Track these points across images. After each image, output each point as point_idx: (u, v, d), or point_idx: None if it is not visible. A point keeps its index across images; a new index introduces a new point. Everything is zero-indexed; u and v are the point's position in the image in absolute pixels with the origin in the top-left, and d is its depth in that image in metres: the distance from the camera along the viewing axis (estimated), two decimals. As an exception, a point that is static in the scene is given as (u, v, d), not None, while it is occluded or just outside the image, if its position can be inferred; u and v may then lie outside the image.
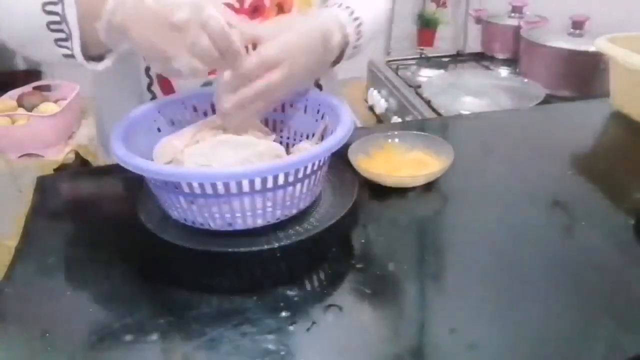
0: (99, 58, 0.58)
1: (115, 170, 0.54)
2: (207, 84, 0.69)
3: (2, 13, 0.59)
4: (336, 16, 0.65)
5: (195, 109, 0.67)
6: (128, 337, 0.45)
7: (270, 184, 0.51)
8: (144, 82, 0.70)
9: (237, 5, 0.68)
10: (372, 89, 1.76)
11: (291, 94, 0.63)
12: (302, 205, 0.57)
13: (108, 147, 0.80)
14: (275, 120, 0.68)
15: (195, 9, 0.50)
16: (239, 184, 0.50)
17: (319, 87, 0.78)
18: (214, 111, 0.67)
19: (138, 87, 0.70)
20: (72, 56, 0.56)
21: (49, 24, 0.55)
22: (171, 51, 0.51)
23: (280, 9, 0.70)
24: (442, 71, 1.73)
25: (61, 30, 0.55)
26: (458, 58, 1.84)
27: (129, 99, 0.71)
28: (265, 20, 0.69)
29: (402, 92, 1.54)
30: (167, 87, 0.70)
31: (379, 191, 0.65)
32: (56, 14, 0.55)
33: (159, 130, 0.64)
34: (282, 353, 0.44)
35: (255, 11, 0.69)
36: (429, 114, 1.39)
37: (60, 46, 0.56)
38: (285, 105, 0.67)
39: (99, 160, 0.85)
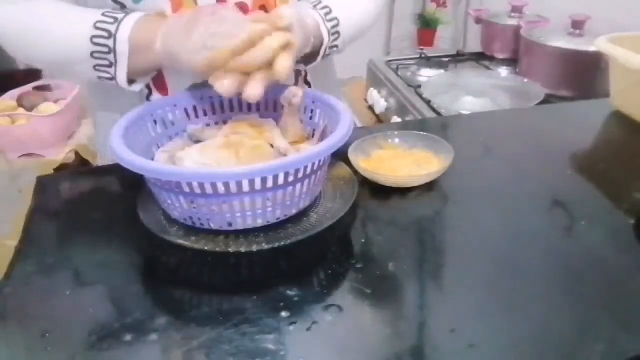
0: (131, 81, 0.65)
1: (115, 170, 0.54)
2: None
3: (45, 36, 0.63)
4: (310, 15, 0.66)
5: (187, 110, 0.67)
6: (128, 337, 0.45)
7: (270, 184, 0.51)
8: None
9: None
10: (372, 88, 1.76)
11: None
12: (302, 205, 0.57)
13: (104, 150, 0.80)
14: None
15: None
16: (239, 184, 0.50)
17: (308, 84, 0.78)
18: (213, 111, 0.67)
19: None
20: (109, 79, 0.63)
21: (93, 52, 0.61)
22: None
23: (264, 10, 0.70)
24: (442, 71, 1.72)
25: (105, 59, 0.61)
26: (458, 58, 1.84)
27: (128, 102, 0.71)
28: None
29: (402, 92, 1.54)
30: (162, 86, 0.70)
31: (379, 191, 0.65)
32: (105, 46, 0.60)
33: (157, 131, 0.64)
34: (282, 353, 0.44)
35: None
36: (429, 114, 1.39)
37: (98, 71, 0.62)
38: (277, 105, 0.67)
39: (98, 162, 0.85)
